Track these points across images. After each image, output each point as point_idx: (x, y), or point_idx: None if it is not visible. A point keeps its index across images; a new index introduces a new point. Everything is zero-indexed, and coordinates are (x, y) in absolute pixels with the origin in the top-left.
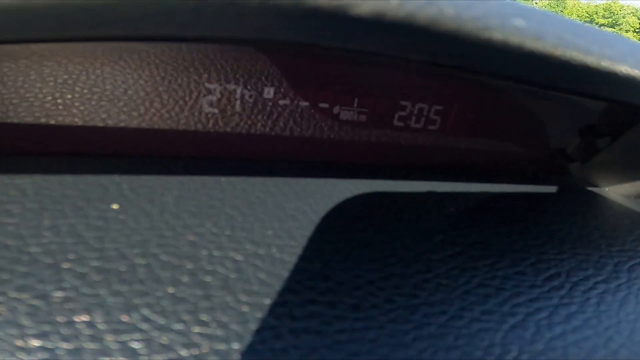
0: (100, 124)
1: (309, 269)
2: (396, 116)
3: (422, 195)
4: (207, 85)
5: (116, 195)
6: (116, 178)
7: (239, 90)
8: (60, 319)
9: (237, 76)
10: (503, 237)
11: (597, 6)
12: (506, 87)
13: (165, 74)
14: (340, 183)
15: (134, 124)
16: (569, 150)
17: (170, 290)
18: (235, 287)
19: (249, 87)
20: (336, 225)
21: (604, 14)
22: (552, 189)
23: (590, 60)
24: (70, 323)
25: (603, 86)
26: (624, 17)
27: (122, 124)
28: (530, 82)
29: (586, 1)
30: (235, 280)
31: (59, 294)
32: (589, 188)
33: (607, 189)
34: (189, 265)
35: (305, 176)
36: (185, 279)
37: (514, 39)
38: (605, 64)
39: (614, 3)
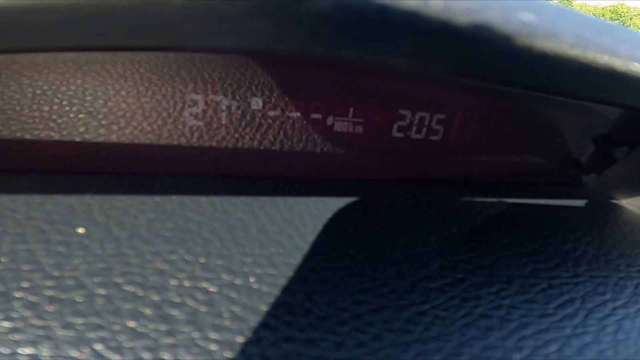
0: (78, 139)
1: (289, 301)
2: (395, 126)
3: (421, 214)
4: (191, 96)
5: (84, 218)
6: (87, 198)
7: (225, 102)
8: (3, 350)
9: (224, 86)
10: (510, 260)
11: (604, 8)
12: (514, 93)
13: (148, 84)
14: (331, 202)
15: (113, 138)
16: (583, 161)
17: (130, 324)
18: (204, 322)
19: (236, 97)
20: (324, 251)
21: (611, 16)
22: (565, 203)
23: (619, 63)
24: (13, 355)
25: (633, 93)
26: (631, 19)
27: (100, 139)
28: (543, 89)
29: (593, 3)
30: (205, 315)
31: (5, 324)
32: (605, 201)
33: (624, 202)
34: (154, 297)
35: (294, 195)
36: (148, 311)
37: (521, 38)
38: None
39: (621, 5)
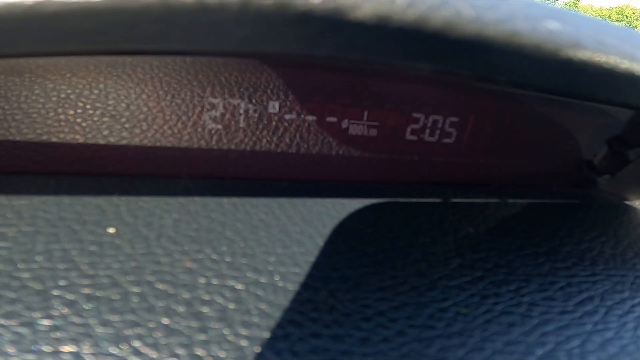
0: (102, 142)
1: (314, 298)
2: (409, 129)
3: (437, 215)
4: (209, 99)
5: (113, 218)
6: (115, 199)
7: (242, 105)
8: (46, 348)
9: (241, 90)
10: (528, 259)
11: (610, 9)
12: (527, 96)
13: (168, 88)
14: (349, 203)
15: (135, 141)
16: (597, 163)
17: (165, 321)
18: (233, 319)
19: (253, 101)
20: (344, 250)
21: (617, 17)
22: (581, 204)
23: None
24: (56, 353)
25: None
26: (637, 20)
27: (123, 142)
28: (566, 93)
29: (599, 4)
30: (234, 312)
31: (46, 322)
32: (620, 203)
33: (638, 203)
34: (185, 295)
35: (312, 196)
36: (180, 309)
37: (548, 45)
38: None
39: (627, 7)
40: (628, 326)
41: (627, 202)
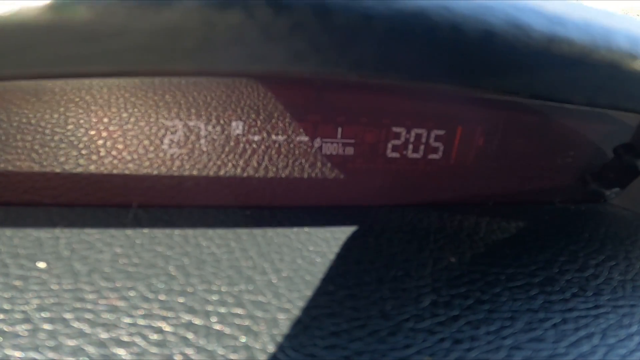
0: (57, 170)
1: (251, 346)
2: (389, 146)
3: (416, 242)
4: (167, 122)
5: (49, 252)
6: (57, 231)
7: (203, 127)
8: None
9: (201, 111)
10: (518, 293)
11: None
12: (521, 103)
13: (123, 112)
14: (316, 232)
15: (91, 169)
16: (604, 174)
17: None
18: None
19: (214, 122)
20: (299, 288)
21: None
22: (587, 223)
23: None
24: None
25: None
26: None
27: (79, 170)
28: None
29: (603, 4)
30: (152, 355)
31: None
32: (632, 218)
33: None
34: (102, 335)
35: (276, 225)
36: (91, 350)
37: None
38: None
39: (631, 9)
40: None
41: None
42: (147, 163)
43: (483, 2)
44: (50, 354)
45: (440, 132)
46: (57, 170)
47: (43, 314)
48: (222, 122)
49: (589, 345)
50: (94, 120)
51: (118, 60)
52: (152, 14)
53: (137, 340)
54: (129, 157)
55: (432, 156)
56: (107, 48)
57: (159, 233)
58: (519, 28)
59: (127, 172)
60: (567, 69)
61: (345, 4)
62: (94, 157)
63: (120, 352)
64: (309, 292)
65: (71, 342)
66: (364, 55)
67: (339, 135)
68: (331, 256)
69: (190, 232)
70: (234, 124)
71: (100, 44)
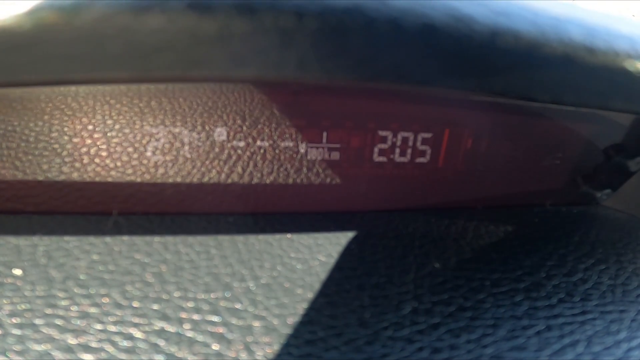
0: (40, 178)
1: (223, 354)
2: (376, 150)
3: (400, 248)
4: (149, 129)
5: (27, 259)
6: (35, 239)
7: (186, 133)
8: None
9: (186, 117)
10: (502, 299)
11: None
12: (509, 104)
13: (107, 119)
14: (299, 238)
15: (74, 177)
16: (595, 176)
17: None
18: None
19: (198, 128)
20: (277, 295)
21: None
22: (577, 225)
23: None
24: None
25: None
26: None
27: (62, 177)
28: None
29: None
30: None
31: None
32: (625, 220)
33: None
34: (71, 341)
35: (258, 232)
36: (58, 355)
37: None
38: None
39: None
40: None
41: (633, 219)
42: (131, 170)
43: None
44: (17, 358)
45: (428, 135)
46: (40, 178)
47: (14, 320)
48: (206, 128)
49: (573, 354)
50: (78, 127)
51: (100, 67)
52: (133, 22)
53: (106, 346)
54: (112, 165)
55: (419, 160)
56: (90, 55)
57: (139, 240)
58: (460, 21)
59: (109, 179)
60: (517, 62)
61: (273, 3)
62: (77, 165)
63: (88, 357)
64: (286, 300)
65: (38, 347)
66: (303, 56)
67: (324, 140)
68: (312, 263)
69: (170, 239)
70: (218, 130)
71: (85, 51)
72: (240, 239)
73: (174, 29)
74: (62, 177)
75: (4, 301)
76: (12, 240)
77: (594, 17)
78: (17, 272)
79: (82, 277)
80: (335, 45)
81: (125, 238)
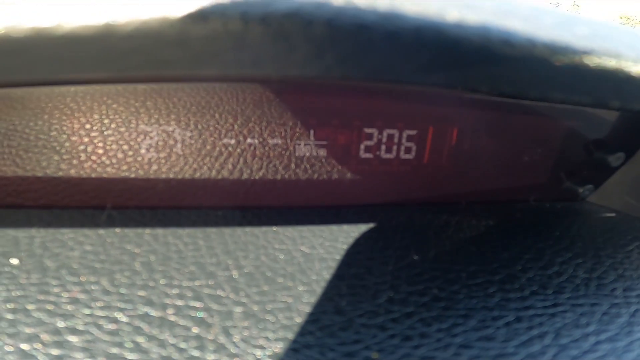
0: (40, 174)
1: (202, 335)
2: (362, 147)
3: (382, 240)
4: (142, 127)
5: (24, 250)
6: (33, 231)
7: (177, 131)
8: None
9: (174, 115)
10: (477, 290)
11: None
12: (492, 101)
13: (104, 118)
14: (283, 230)
15: (71, 173)
16: (578, 172)
17: (24, 346)
18: (99, 351)
19: (188, 126)
20: (259, 283)
21: (620, 21)
22: (558, 220)
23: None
24: None
25: None
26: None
27: (60, 174)
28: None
29: None
30: (104, 344)
31: None
32: (608, 216)
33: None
34: (59, 324)
35: (246, 224)
36: (46, 337)
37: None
38: None
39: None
40: None
41: (616, 216)
42: (125, 167)
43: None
44: (7, 340)
45: (412, 132)
46: (39, 174)
47: (8, 305)
48: (199, 126)
49: (540, 345)
50: (76, 126)
51: (102, 66)
52: (133, 24)
53: (92, 329)
54: (107, 161)
55: (405, 156)
56: (92, 55)
57: (130, 232)
58: (387, 19)
59: (105, 175)
60: (483, 58)
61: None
62: (75, 162)
63: (73, 339)
64: (267, 287)
65: (28, 330)
66: (258, 56)
67: (312, 138)
68: (295, 254)
69: (160, 231)
70: (209, 127)
71: (86, 51)
72: (227, 231)
73: (142, 34)
74: (60, 174)
75: (0, 288)
76: (11, 232)
77: (555, 17)
78: (14, 261)
79: (74, 266)
80: (283, 46)
81: (118, 230)
